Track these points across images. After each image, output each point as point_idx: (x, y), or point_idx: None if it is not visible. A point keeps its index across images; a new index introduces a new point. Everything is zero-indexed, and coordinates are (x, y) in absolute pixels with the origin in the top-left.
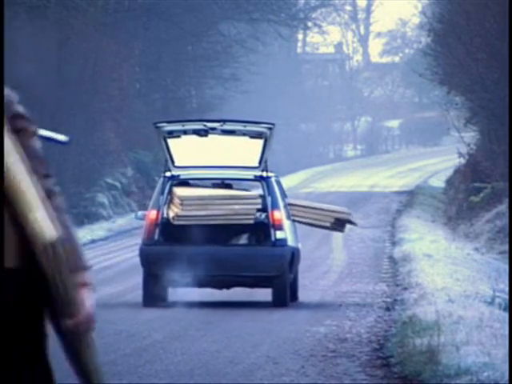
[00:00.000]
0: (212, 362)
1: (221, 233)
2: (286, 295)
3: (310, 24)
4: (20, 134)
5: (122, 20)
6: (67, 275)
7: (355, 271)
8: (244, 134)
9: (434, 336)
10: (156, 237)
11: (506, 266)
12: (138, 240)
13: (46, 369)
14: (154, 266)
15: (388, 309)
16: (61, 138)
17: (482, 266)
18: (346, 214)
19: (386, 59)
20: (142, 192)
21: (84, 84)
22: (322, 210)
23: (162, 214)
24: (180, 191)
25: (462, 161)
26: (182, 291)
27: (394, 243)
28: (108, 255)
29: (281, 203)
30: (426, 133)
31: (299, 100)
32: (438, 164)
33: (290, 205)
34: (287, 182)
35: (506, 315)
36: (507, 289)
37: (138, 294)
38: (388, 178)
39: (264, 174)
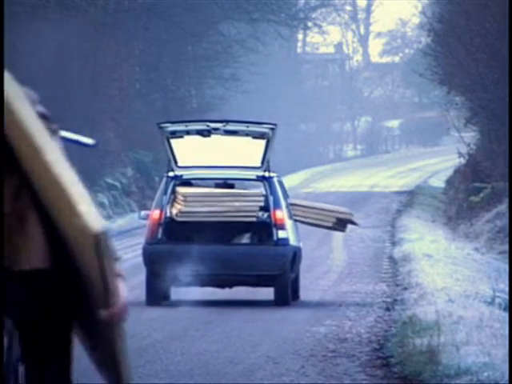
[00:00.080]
0: (212, 362)
1: (223, 232)
2: (287, 294)
3: (310, 24)
4: None
5: (121, 20)
6: (112, 265)
7: (355, 271)
8: (247, 134)
9: (434, 336)
10: (159, 236)
11: (506, 266)
12: (138, 240)
13: (68, 367)
14: (156, 265)
15: (388, 309)
16: (87, 140)
17: (482, 266)
18: (347, 214)
19: (386, 59)
20: (141, 192)
21: (84, 84)
22: (324, 210)
23: (165, 213)
24: (183, 190)
25: (462, 161)
26: (184, 290)
27: (394, 243)
28: None
29: (283, 203)
30: (426, 133)
31: (299, 100)
32: (437, 164)
33: (292, 205)
34: (287, 181)
35: (506, 315)
36: (507, 289)
37: (137, 294)
38: (388, 177)
39: (266, 174)
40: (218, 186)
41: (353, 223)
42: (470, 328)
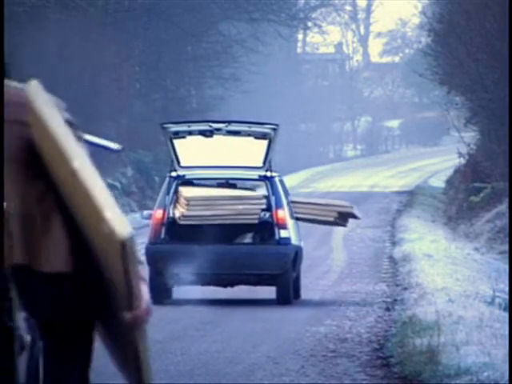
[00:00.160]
0: (212, 362)
1: (226, 232)
2: (289, 293)
3: (310, 24)
4: None
5: (122, 20)
6: (136, 269)
7: (355, 271)
8: (249, 134)
9: (434, 336)
10: (162, 236)
11: (506, 266)
12: (138, 239)
13: (87, 366)
14: (159, 264)
15: (388, 309)
16: (113, 146)
17: (482, 266)
18: (348, 208)
19: (386, 59)
20: (141, 192)
21: (84, 84)
22: (324, 205)
23: (168, 213)
24: (186, 191)
25: (462, 161)
26: (186, 289)
27: (394, 243)
28: None
29: (284, 202)
30: (426, 133)
31: (299, 100)
32: (437, 164)
33: (293, 202)
34: (287, 181)
35: (506, 315)
36: (507, 289)
37: None
38: (388, 177)
39: (268, 173)
40: (220, 185)
41: (354, 217)
42: (470, 328)
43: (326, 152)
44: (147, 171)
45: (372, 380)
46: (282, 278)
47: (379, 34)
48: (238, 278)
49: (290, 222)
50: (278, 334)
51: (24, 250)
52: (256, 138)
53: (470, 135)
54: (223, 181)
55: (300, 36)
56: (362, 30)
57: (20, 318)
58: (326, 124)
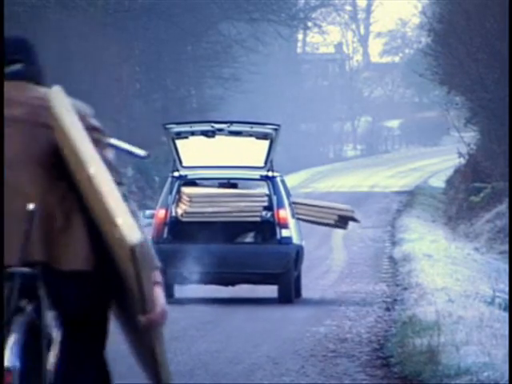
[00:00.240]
0: (212, 362)
1: (228, 231)
2: (291, 292)
3: (310, 24)
4: (94, 144)
5: (121, 20)
6: (148, 275)
7: (355, 271)
8: (250, 134)
9: (433, 336)
10: (165, 235)
11: (506, 266)
12: None
13: (105, 364)
14: (162, 264)
15: (388, 309)
16: (139, 151)
17: (482, 266)
18: (348, 212)
19: (386, 59)
20: (141, 192)
21: (84, 84)
22: (326, 207)
23: (171, 212)
24: (188, 191)
25: (462, 161)
26: (188, 288)
27: (394, 243)
28: None
29: (286, 202)
30: (426, 133)
31: (299, 100)
32: (438, 164)
33: (294, 203)
34: (287, 181)
35: (506, 315)
36: (507, 289)
37: None
38: (388, 177)
39: (270, 173)
40: (221, 185)
41: (354, 220)
42: (470, 328)
43: (326, 152)
44: (147, 171)
45: (372, 380)
46: (284, 277)
47: (379, 34)
48: (240, 276)
49: (291, 222)
50: (278, 333)
51: (43, 247)
52: (257, 138)
53: (470, 135)
54: (225, 181)
55: (300, 36)
56: (362, 30)
57: (49, 316)
58: (326, 124)
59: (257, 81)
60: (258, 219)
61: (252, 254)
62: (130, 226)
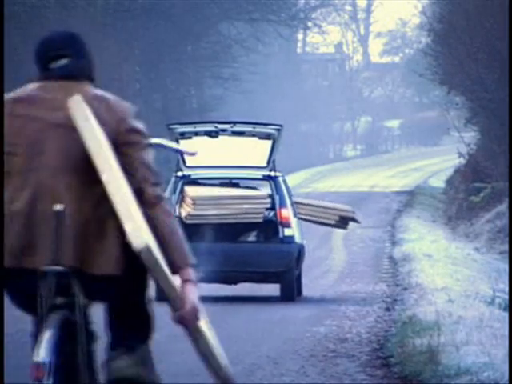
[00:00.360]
0: None
1: (231, 230)
2: (293, 290)
3: (310, 24)
4: (133, 146)
5: (121, 20)
6: (164, 276)
7: (355, 271)
8: (253, 135)
9: (433, 336)
10: None
11: (506, 266)
12: None
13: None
14: None
15: (388, 309)
16: (188, 150)
17: (482, 266)
18: (349, 212)
19: (386, 59)
20: None
21: None
22: (327, 208)
23: (174, 212)
24: (191, 191)
25: (462, 161)
26: None
27: (394, 243)
28: None
29: (288, 201)
30: (426, 133)
31: (299, 100)
32: (438, 164)
33: (296, 203)
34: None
35: (506, 315)
36: (507, 289)
37: None
38: (388, 177)
39: (272, 173)
40: (223, 185)
41: (355, 221)
42: (470, 328)
43: (326, 152)
44: None
45: (372, 380)
46: (286, 275)
47: (379, 34)
48: (243, 275)
49: (293, 221)
50: (278, 334)
51: (76, 253)
52: (260, 138)
53: (470, 135)
54: (227, 180)
55: (300, 36)
56: (362, 30)
57: (91, 313)
58: (326, 124)
59: (257, 81)
60: (260, 220)
61: (255, 252)
62: (137, 232)
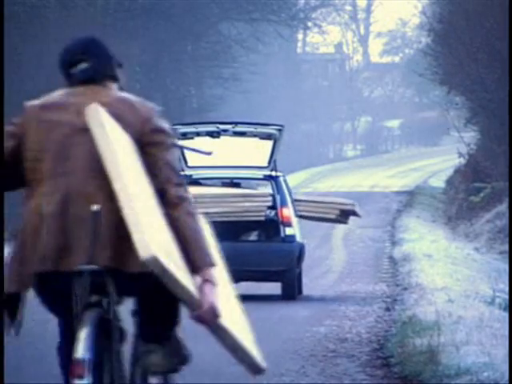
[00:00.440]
0: (212, 362)
1: (232, 230)
2: (294, 289)
3: (310, 24)
4: (157, 146)
5: (121, 20)
6: (173, 282)
7: (355, 271)
8: (254, 135)
9: (434, 336)
10: None
11: (506, 266)
12: None
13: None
14: None
15: (388, 309)
16: (205, 149)
17: (482, 266)
18: (349, 206)
19: (386, 59)
20: None
21: None
22: (327, 203)
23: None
24: (193, 190)
25: (462, 161)
26: None
27: (394, 243)
28: None
29: (289, 201)
30: (426, 133)
31: (299, 100)
32: (438, 164)
33: (295, 200)
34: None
35: (506, 315)
36: (507, 289)
37: None
38: (388, 177)
39: (273, 173)
40: (224, 184)
41: (355, 214)
42: (469, 328)
43: (325, 152)
44: None
45: (372, 380)
46: (287, 274)
47: (379, 34)
48: (244, 274)
49: (294, 220)
50: (278, 333)
51: (112, 253)
52: (261, 138)
53: (470, 135)
54: (228, 180)
55: (300, 36)
56: (362, 30)
57: (121, 311)
58: (326, 124)
59: (257, 81)
60: (262, 219)
61: (256, 251)
62: (143, 241)
